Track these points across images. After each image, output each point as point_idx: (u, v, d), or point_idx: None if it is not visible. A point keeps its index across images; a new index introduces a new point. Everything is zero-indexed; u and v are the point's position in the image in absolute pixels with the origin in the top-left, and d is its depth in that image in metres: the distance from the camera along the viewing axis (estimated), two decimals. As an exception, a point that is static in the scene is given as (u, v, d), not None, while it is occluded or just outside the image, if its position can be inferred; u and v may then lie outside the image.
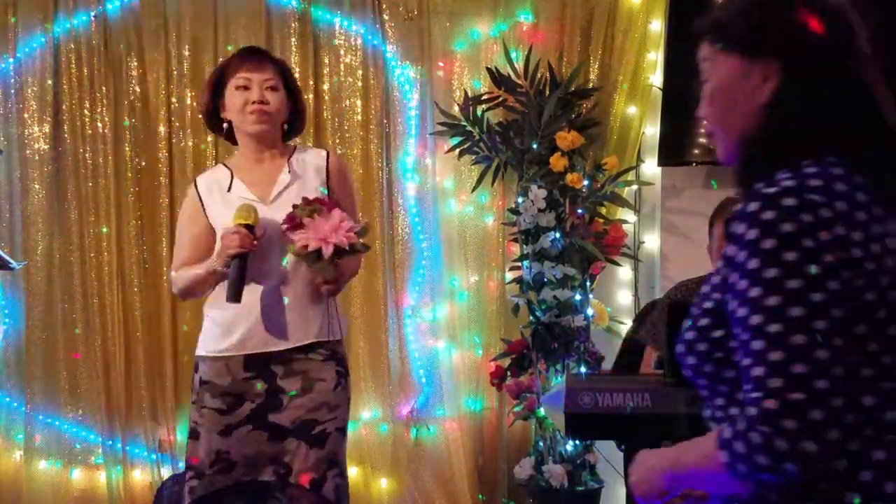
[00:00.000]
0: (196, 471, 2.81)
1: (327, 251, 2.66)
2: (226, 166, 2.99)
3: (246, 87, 2.87)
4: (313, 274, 2.75)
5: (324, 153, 3.00)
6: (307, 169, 2.92)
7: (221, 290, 2.81)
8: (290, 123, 2.99)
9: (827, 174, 1.40)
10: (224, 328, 2.84)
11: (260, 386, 2.82)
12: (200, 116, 3.17)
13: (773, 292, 1.33)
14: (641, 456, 1.55)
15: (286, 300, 2.83)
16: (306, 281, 2.81)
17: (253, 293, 2.81)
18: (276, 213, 2.83)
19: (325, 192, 2.88)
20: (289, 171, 2.90)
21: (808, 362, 1.31)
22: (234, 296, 2.74)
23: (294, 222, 2.70)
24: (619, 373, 3.44)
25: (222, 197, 2.90)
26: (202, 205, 2.92)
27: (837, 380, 1.31)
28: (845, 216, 1.36)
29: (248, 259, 2.74)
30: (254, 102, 2.86)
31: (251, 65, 2.90)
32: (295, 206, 2.72)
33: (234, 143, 3.01)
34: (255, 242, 2.73)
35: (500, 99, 4.35)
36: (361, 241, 2.73)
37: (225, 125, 2.95)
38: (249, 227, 2.74)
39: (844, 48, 1.46)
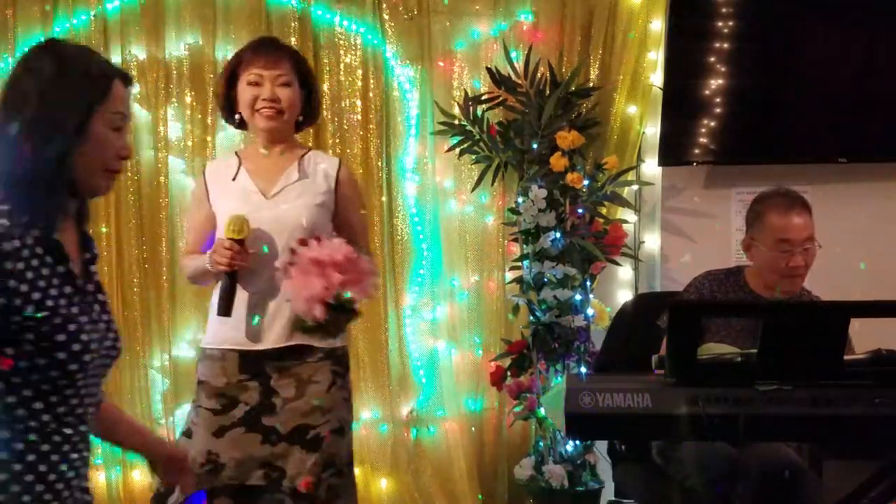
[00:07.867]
0: None
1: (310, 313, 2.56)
2: (237, 155, 3.00)
3: (258, 84, 2.86)
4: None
5: (337, 162, 2.99)
6: (318, 172, 2.91)
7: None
8: (304, 114, 2.98)
9: None
10: (220, 320, 2.84)
11: (254, 388, 2.81)
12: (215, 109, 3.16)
13: None
14: None
15: (277, 299, 2.80)
16: None
17: (248, 288, 2.81)
18: (275, 207, 2.84)
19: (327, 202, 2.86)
20: (298, 170, 2.89)
21: None
22: (224, 310, 2.77)
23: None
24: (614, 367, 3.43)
25: (226, 186, 2.90)
26: (207, 192, 2.93)
27: None
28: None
29: (236, 275, 2.75)
30: (264, 100, 2.85)
31: (263, 61, 2.87)
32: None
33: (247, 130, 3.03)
34: (246, 257, 2.73)
35: (500, 99, 4.35)
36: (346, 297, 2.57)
37: (237, 116, 2.95)
38: (241, 242, 2.73)
39: None
